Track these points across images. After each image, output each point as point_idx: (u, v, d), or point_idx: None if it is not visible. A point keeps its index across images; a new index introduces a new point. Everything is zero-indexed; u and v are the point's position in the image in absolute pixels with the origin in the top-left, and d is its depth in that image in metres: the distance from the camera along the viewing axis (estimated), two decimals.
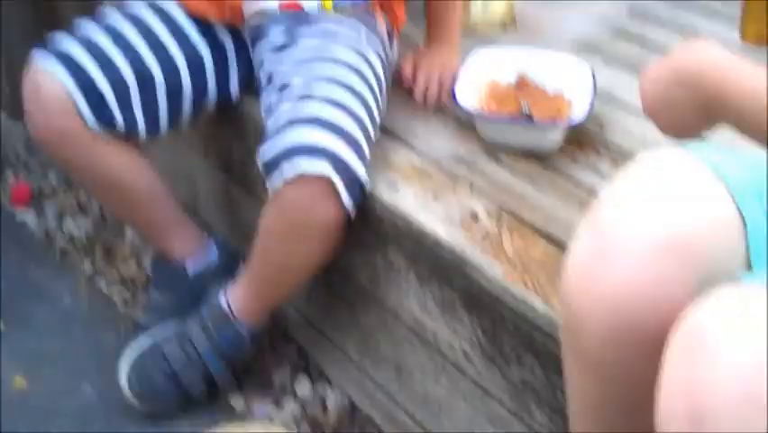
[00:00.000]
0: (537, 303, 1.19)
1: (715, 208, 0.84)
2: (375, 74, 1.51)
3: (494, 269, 1.26)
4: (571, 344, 0.90)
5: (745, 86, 0.87)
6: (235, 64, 1.64)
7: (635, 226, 0.83)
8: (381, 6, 1.64)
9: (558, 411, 1.19)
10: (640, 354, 0.82)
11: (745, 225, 0.85)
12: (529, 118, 1.52)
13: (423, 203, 1.40)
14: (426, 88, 1.67)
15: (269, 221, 1.44)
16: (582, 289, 0.84)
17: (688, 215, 0.83)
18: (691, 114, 0.94)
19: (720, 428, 0.67)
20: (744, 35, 1.96)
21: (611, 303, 0.82)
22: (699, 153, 0.88)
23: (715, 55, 0.91)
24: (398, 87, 1.70)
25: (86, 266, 2.03)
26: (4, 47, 2.43)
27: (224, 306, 1.55)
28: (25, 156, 2.39)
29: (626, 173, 0.89)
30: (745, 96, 0.87)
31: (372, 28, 1.58)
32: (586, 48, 1.86)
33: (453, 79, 1.62)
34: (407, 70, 1.70)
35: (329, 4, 1.56)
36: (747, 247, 0.85)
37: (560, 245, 1.29)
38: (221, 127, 1.77)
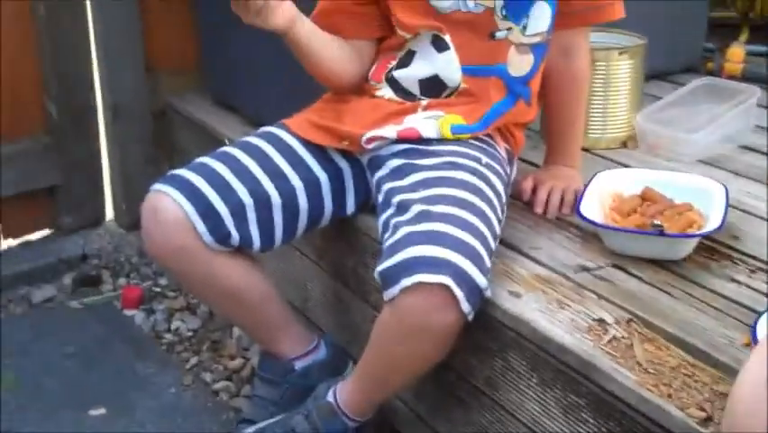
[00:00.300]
0: (673, 409, 1.13)
1: None
2: (495, 191, 1.50)
3: (625, 375, 1.20)
4: None
5: None
6: (352, 186, 1.65)
7: None
8: (500, 131, 1.64)
9: None
10: None
11: None
12: (661, 231, 1.47)
13: (547, 310, 1.36)
14: (547, 201, 1.64)
15: (384, 325, 1.42)
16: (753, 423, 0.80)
17: None
18: None
19: None
20: None
21: None
22: None
23: None
24: (520, 203, 1.69)
25: (193, 360, 2.05)
26: (122, 164, 2.56)
27: (331, 400, 1.53)
28: (138, 262, 2.47)
29: None
30: None
31: (492, 153, 1.57)
32: (712, 162, 1.83)
33: (576, 195, 1.60)
34: (528, 185, 1.69)
35: (447, 132, 1.56)
36: None
37: (697, 354, 1.23)
38: (335, 239, 1.77)
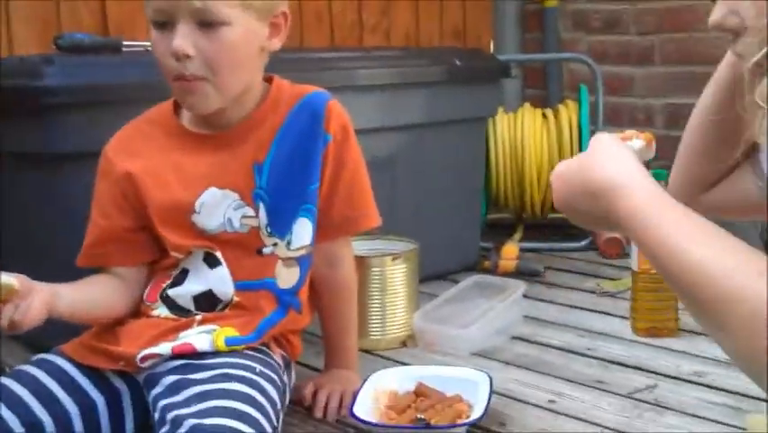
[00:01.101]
0: None
1: None
2: (269, 399, 1.53)
3: None
4: None
5: (638, 212, 0.97)
6: (131, 407, 1.65)
7: None
8: (275, 339, 1.70)
9: None
10: None
11: None
12: (426, 424, 1.54)
13: None
14: (326, 405, 1.69)
15: None
16: None
17: None
18: (592, 218, 1.08)
19: None
20: (635, 330, 2.08)
21: None
22: None
23: (613, 171, 1.01)
24: (302, 408, 1.73)
25: None
26: None
27: None
28: None
29: None
30: (636, 223, 0.97)
31: (266, 361, 1.62)
32: (484, 354, 1.94)
33: (353, 395, 1.66)
34: (308, 390, 1.74)
35: (222, 344, 1.60)
36: None
37: None
38: None
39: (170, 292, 1.67)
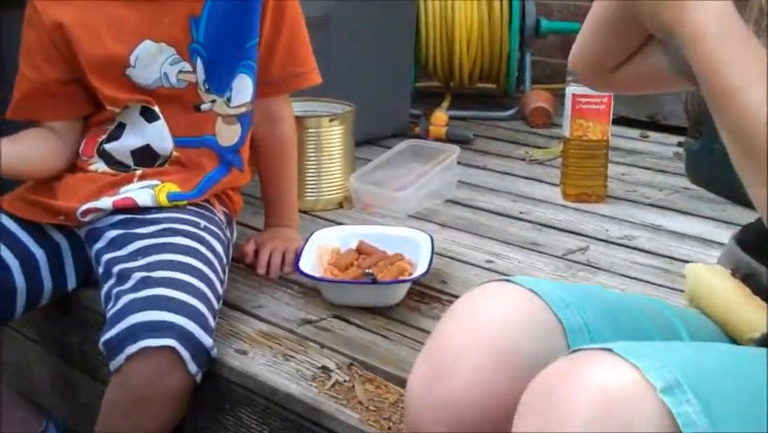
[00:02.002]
0: None
1: (534, 319, 0.94)
2: (215, 253, 1.54)
3: (348, 414, 1.26)
4: None
5: (706, 33, 0.86)
6: (71, 261, 1.63)
7: (463, 345, 0.93)
8: (217, 196, 1.68)
9: None
10: None
11: (564, 329, 0.94)
12: (373, 279, 1.56)
13: (273, 364, 1.40)
14: (269, 262, 1.70)
15: (113, 396, 1.41)
16: (423, 403, 0.93)
17: (510, 329, 0.93)
18: (653, 16, 0.90)
19: None
20: (565, 196, 2.12)
21: (449, 413, 0.91)
22: (516, 280, 0.98)
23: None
24: (243, 265, 1.74)
25: None
26: None
27: None
28: None
29: (454, 304, 1.00)
30: (699, 45, 0.86)
31: (209, 217, 1.61)
32: (420, 216, 1.97)
33: (296, 253, 1.67)
34: (250, 248, 1.74)
35: (164, 199, 1.58)
36: (568, 348, 0.92)
37: None
38: (58, 318, 1.74)
39: (107, 147, 1.63)
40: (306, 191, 2.03)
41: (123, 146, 1.62)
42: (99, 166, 1.63)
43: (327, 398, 1.30)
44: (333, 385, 1.34)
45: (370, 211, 2.02)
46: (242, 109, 1.65)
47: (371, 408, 1.28)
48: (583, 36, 1.09)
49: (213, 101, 1.62)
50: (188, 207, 1.60)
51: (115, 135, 1.63)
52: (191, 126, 1.63)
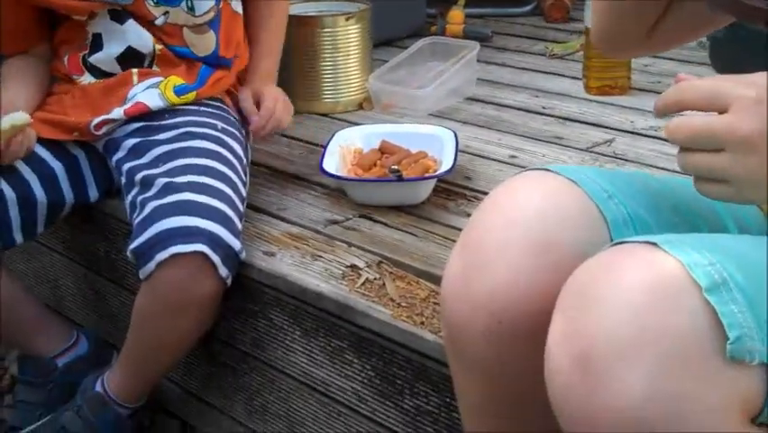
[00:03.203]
0: (427, 334, 1.20)
1: (575, 210, 0.89)
2: (235, 155, 1.52)
3: (380, 311, 1.26)
4: (453, 349, 0.94)
5: None
6: (90, 173, 1.62)
7: (502, 239, 0.88)
8: (229, 94, 1.66)
9: (453, 430, 1.20)
10: (518, 351, 0.87)
11: (606, 221, 0.90)
12: (399, 177, 1.55)
13: (301, 264, 1.40)
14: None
15: (144, 303, 1.41)
16: (460, 297, 0.89)
17: (550, 221, 0.88)
18: None
19: (605, 368, 0.71)
20: (588, 89, 2.08)
21: (488, 308, 0.87)
22: (556, 169, 0.93)
23: None
24: (264, 168, 1.73)
25: None
26: None
27: (100, 390, 1.50)
28: None
29: (489, 195, 0.94)
30: None
31: (225, 117, 1.59)
32: (441, 114, 1.94)
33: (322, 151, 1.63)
34: (249, 103, 1.66)
35: (171, 95, 1.55)
36: (611, 240, 0.89)
37: None
38: (82, 228, 1.74)
39: (92, 60, 1.60)
40: (323, 93, 2.00)
41: (106, 55, 1.59)
42: (91, 80, 1.60)
43: (359, 296, 1.30)
44: (363, 283, 1.33)
45: (391, 111, 1.99)
46: (210, 15, 1.60)
47: (403, 304, 1.27)
48: (600, 23, 1.03)
49: (165, 13, 1.57)
50: (203, 108, 1.58)
51: (95, 47, 1.59)
52: (158, 40, 1.59)
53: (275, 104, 1.64)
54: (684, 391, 0.70)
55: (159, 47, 1.58)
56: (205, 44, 1.61)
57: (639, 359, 0.70)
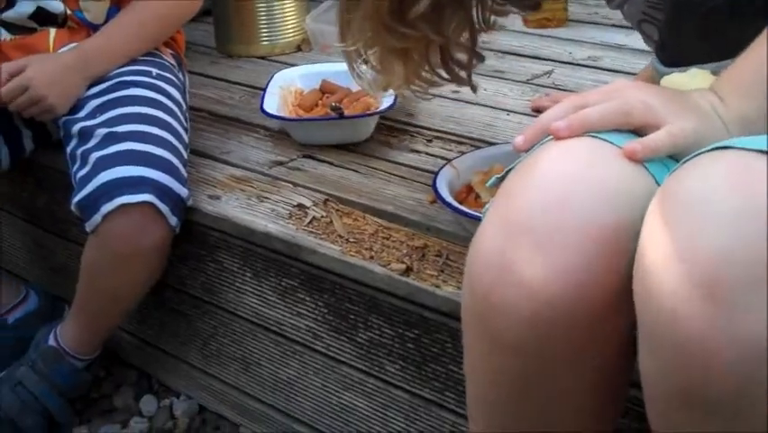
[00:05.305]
0: (377, 268, 1.20)
1: (632, 185, 0.77)
2: (174, 101, 1.50)
3: (329, 247, 1.26)
4: (482, 327, 0.81)
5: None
6: (23, 125, 1.59)
7: (556, 219, 0.75)
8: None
9: (408, 360, 1.22)
10: (566, 337, 0.77)
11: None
12: (341, 115, 1.54)
13: (248, 206, 1.39)
14: None
15: (92, 256, 1.40)
16: (503, 278, 0.77)
17: (607, 198, 0.75)
18: None
19: (735, 295, 0.62)
20: (525, 22, 2.09)
21: (539, 294, 0.75)
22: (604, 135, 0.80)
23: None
24: (206, 113, 1.71)
25: None
26: None
27: (53, 344, 1.49)
28: None
29: (530, 161, 0.80)
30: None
31: (159, 63, 1.57)
32: None
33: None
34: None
35: None
36: None
37: (391, 218, 1.32)
38: (21, 182, 1.71)
39: (5, 17, 1.56)
40: (260, 36, 1.99)
41: (17, 13, 1.56)
42: (8, 36, 1.57)
43: (306, 234, 1.30)
44: (310, 222, 1.33)
45: (330, 52, 1.98)
46: None
47: (351, 240, 1.27)
48: None
49: None
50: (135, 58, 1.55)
51: (9, 4, 1.56)
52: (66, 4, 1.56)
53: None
54: None
55: (68, 11, 1.55)
56: (99, 13, 1.57)
57: None
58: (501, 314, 0.76)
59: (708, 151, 0.69)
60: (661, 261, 0.66)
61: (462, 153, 1.45)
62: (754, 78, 0.80)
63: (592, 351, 0.75)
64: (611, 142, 0.78)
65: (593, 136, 0.79)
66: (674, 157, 0.78)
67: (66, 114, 1.48)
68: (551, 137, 0.80)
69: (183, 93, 1.57)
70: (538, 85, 1.77)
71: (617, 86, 0.83)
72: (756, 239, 0.62)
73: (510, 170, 0.83)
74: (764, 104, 0.79)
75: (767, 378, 0.62)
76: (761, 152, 0.66)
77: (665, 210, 0.67)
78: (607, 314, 0.73)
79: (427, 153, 1.51)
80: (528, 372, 0.79)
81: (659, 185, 0.74)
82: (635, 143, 0.77)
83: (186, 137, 1.48)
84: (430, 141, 1.56)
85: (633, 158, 0.77)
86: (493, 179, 0.88)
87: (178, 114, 1.49)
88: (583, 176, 0.76)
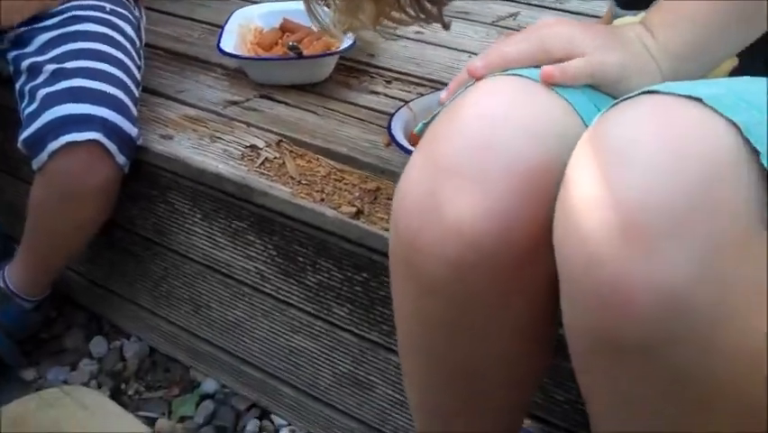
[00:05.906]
0: (327, 211, 1.18)
1: (560, 126, 0.75)
2: (127, 37, 1.46)
3: (280, 189, 1.24)
4: (408, 270, 0.79)
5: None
6: None
7: (480, 158, 0.73)
8: None
9: (356, 303, 1.20)
10: (491, 279, 0.75)
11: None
12: (299, 54, 1.51)
13: (199, 146, 1.36)
14: None
15: (39, 195, 1.37)
16: (428, 220, 0.75)
17: (533, 138, 0.73)
18: None
19: (653, 240, 0.61)
20: None
21: (464, 236, 0.73)
22: (526, 73, 0.77)
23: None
24: (162, 50, 1.67)
25: None
26: None
27: (1, 284, 1.47)
28: None
29: (456, 103, 0.77)
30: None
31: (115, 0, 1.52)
32: None
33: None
34: None
35: None
36: None
37: (344, 160, 1.30)
38: None
39: None
40: None
41: None
42: None
43: (258, 175, 1.27)
44: (262, 163, 1.31)
45: None
46: None
47: (303, 182, 1.25)
48: None
49: None
50: None
51: None
52: None
53: None
54: (735, 274, 0.62)
55: None
56: None
57: (692, 235, 0.61)
58: (427, 256, 0.75)
59: (637, 95, 0.67)
60: (581, 204, 0.64)
61: (421, 95, 1.42)
62: (684, 12, 0.78)
63: (518, 294, 0.74)
64: (536, 81, 0.75)
65: (518, 75, 0.76)
66: (607, 98, 0.77)
67: (16, 49, 1.44)
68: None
69: (137, 30, 1.53)
70: (503, 27, 1.74)
71: (539, 23, 0.81)
72: (676, 186, 0.61)
73: (437, 114, 0.81)
74: (693, 39, 0.77)
75: (680, 325, 0.61)
76: (688, 97, 0.65)
77: (589, 154, 0.66)
78: (532, 257, 0.72)
79: (386, 95, 1.48)
80: (453, 315, 0.78)
81: (587, 126, 0.71)
82: (552, 68, 0.75)
83: (138, 75, 1.44)
84: (390, 82, 1.53)
85: (550, 81, 0.75)
86: (420, 125, 0.86)
87: (131, 50, 1.45)
88: (508, 116, 0.73)
